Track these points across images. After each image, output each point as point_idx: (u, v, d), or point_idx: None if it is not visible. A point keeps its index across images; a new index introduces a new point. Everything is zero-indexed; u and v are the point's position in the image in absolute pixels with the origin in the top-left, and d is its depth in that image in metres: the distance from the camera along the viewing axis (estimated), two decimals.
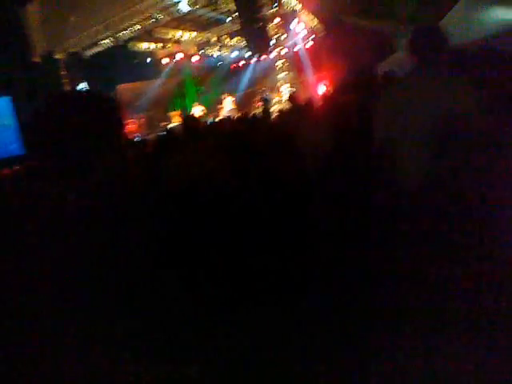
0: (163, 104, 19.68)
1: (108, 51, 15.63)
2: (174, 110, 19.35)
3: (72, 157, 1.24)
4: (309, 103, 5.57)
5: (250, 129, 4.00)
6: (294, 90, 12.08)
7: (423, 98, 2.08)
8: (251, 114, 9.17)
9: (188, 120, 4.06)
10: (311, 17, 14.25)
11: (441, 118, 2.01)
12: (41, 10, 15.33)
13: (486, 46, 3.74)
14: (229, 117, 10.60)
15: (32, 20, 15.51)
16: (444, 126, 2.02)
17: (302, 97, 13.31)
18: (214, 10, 14.68)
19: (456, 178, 2.02)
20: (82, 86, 15.83)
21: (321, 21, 14.49)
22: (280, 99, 13.55)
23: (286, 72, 11.94)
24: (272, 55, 12.70)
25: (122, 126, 1.39)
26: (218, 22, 16.27)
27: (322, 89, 13.93)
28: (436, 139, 2.03)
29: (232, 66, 19.64)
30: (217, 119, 12.44)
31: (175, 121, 18.38)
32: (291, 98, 5.39)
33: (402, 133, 2.16)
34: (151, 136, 14.96)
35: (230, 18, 14.86)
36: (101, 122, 1.30)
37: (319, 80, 15.10)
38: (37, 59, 15.89)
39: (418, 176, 2.11)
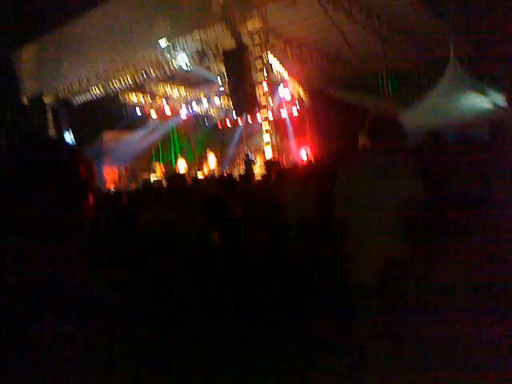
0: (147, 155, 19.84)
1: (97, 99, 15.85)
2: (158, 162, 19.50)
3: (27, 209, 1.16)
4: (288, 171, 5.68)
5: (230, 193, 4.03)
6: (276, 154, 12.29)
7: (375, 184, 2.17)
8: (232, 175, 9.30)
9: (172, 178, 4.08)
10: (297, 86, 14.87)
11: (390, 203, 2.10)
12: (35, 54, 15.68)
13: (451, 133, 3.94)
14: (211, 176, 10.73)
15: (25, 63, 15.81)
16: (394, 211, 2.11)
17: (284, 161, 13.68)
18: (205, 71, 15.19)
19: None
20: (66, 131, 15.90)
21: (305, 90, 15.12)
22: (263, 162, 13.85)
23: (271, 135, 12.19)
24: (258, 117, 13.02)
25: (85, 179, 1.27)
26: (208, 81, 16.78)
27: (302, 154, 14.30)
28: (387, 223, 2.11)
29: (218, 125, 20.09)
30: (199, 176, 12.56)
31: (157, 173, 18.50)
32: (268, 165, 5.48)
33: (357, 213, 2.23)
34: (131, 187, 14.97)
35: (219, 79, 15.35)
36: (59, 175, 1.22)
37: (301, 145, 15.53)
38: (24, 101, 16.05)
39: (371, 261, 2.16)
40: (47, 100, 16.02)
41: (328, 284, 2.73)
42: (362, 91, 15.64)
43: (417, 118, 9.66)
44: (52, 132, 16.08)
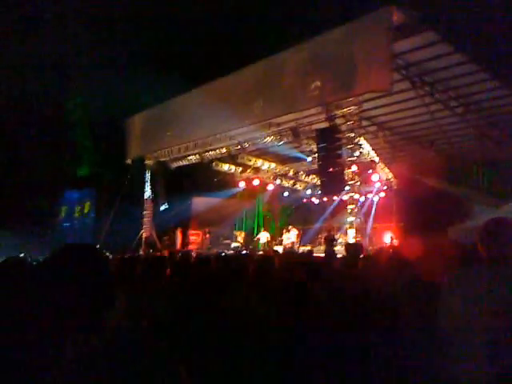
0: (230, 222, 20.40)
1: (192, 165, 16.89)
2: (240, 230, 19.96)
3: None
4: (373, 256, 5.55)
5: (312, 277, 3.98)
6: (359, 237, 12.08)
7: (488, 295, 1.97)
8: (312, 253, 9.22)
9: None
10: (387, 170, 14.76)
11: (503, 318, 1.91)
12: (142, 121, 17.31)
13: None
14: (291, 252, 10.75)
15: (133, 128, 17.46)
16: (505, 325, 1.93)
17: (367, 244, 13.38)
18: (296, 148, 15.71)
19: None
20: (162, 191, 16.97)
21: (396, 175, 14.94)
22: (345, 242, 13.66)
23: (355, 217, 12.08)
24: (344, 198, 13.02)
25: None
26: (298, 159, 17.26)
27: (387, 240, 13.89)
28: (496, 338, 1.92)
29: (303, 201, 20.30)
30: (278, 250, 12.60)
31: (239, 240, 18.87)
32: (350, 248, 5.39)
33: (465, 324, 2.05)
34: (213, 251, 15.37)
35: (310, 158, 15.71)
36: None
37: (385, 230, 15.13)
38: (129, 161, 17.53)
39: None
40: (148, 162, 17.35)
41: None
42: (457, 182, 15.16)
43: None
44: (148, 192, 17.29)
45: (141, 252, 15.46)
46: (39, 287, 1.41)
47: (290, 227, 18.06)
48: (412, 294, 3.26)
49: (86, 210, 21.27)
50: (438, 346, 2.34)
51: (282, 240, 17.97)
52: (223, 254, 10.54)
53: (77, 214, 21.70)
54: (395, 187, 15.30)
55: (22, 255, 10.70)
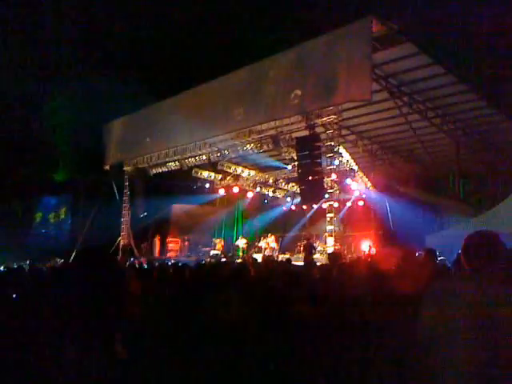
0: (209, 229, 20.29)
1: (171, 172, 16.74)
2: (219, 238, 19.84)
3: None
4: (351, 266, 5.56)
5: (293, 285, 3.96)
6: (338, 245, 12.13)
7: (470, 307, 1.96)
8: (291, 261, 9.23)
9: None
10: (365, 179, 14.88)
11: (485, 334, 1.90)
12: (121, 127, 17.13)
13: None
14: (271, 260, 10.74)
15: (112, 134, 17.25)
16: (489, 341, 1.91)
17: (345, 252, 13.44)
18: (276, 156, 15.74)
19: None
20: (140, 198, 16.76)
21: (374, 184, 15.08)
22: (324, 250, 13.69)
23: (334, 226, 12.13)
24: (323, 206, 13.06)
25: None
26: (278, 167, 17.30)
27: (365, 248, 13.98)
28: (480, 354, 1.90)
29: (283, 209, 20.32)
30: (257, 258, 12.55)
31: (218, 247, 18.75)
32: (332, 258, 5.40)
33: (445, 336, 2.04)
34: (191, 259, 15.23)
35: (289, 166, 15.75)
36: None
37: (364, 238, 15.24)
38: (107, 167, 17.29)
39: None
40: (126, 168, 17.13)
41: None
42: (433, 190, 15.39)
43: (492, 223, 9.27)
44: (126, 198, 17.06)
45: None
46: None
47: (269, 235, 18.05)
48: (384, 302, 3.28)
49: (62, 216, 20.89)
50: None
51: (260, 247, 17.94)
52: (203, 262, 10.46)
53: (52, 220, 21.28)
54: (373, 196, 15.42)
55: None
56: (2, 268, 10.39)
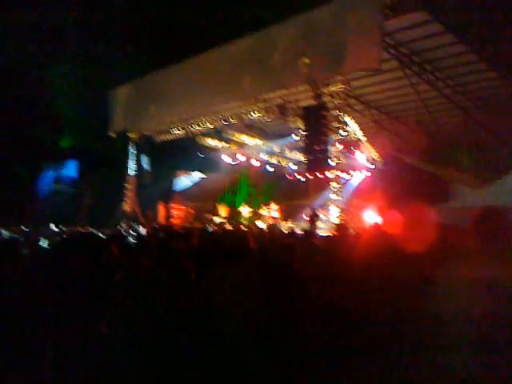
0: (214, 197, 20.34)
1: (176, 140, 16.67)
2: (223, 204, 19.91)
3: None
4: (357, 237, 5.59)
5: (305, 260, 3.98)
6: (343, 215, 12.16)
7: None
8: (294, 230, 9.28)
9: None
10: (372, 149, 14.81)
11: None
12: (127, 93, 16.91)
13: None
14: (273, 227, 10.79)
15: (118, 101, 17.05)
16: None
17: (349, 221, 13.47)
18: (282, 124, 15.61)
19: None
20: (145, 166, 16.77)
21: (380, 155, 15.01)
22: (327, 219, 13.71)
23: (339, 196, 12.15)
24: (328, 175, 13.02)
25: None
26: (283, 135, 17.17)
27: (371, 219, 14.00)
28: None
29: (288, 177, 20.31)
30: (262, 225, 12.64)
31: (221, 214, 18.87)
32: (339, 229, 5.43)
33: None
34: (195, 226, 15.35)
35: (295, 136, 15.65)
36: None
37: (369, 209, 15.25)
38: (113, 134, 17.19)
39: None
40: (132, 136, 17.06)
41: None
42: (440, 162, 15.29)
43: (500, 194, 9.23)
44: (132, 165, 17.05)
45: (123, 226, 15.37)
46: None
47: (273, 203, 18.14)
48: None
49: (67, 183, 20.93)
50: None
51: (263, 215, 18.04)
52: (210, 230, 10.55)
53: (56, 186, 21.31)
54: (380, 167, 15.37)
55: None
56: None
